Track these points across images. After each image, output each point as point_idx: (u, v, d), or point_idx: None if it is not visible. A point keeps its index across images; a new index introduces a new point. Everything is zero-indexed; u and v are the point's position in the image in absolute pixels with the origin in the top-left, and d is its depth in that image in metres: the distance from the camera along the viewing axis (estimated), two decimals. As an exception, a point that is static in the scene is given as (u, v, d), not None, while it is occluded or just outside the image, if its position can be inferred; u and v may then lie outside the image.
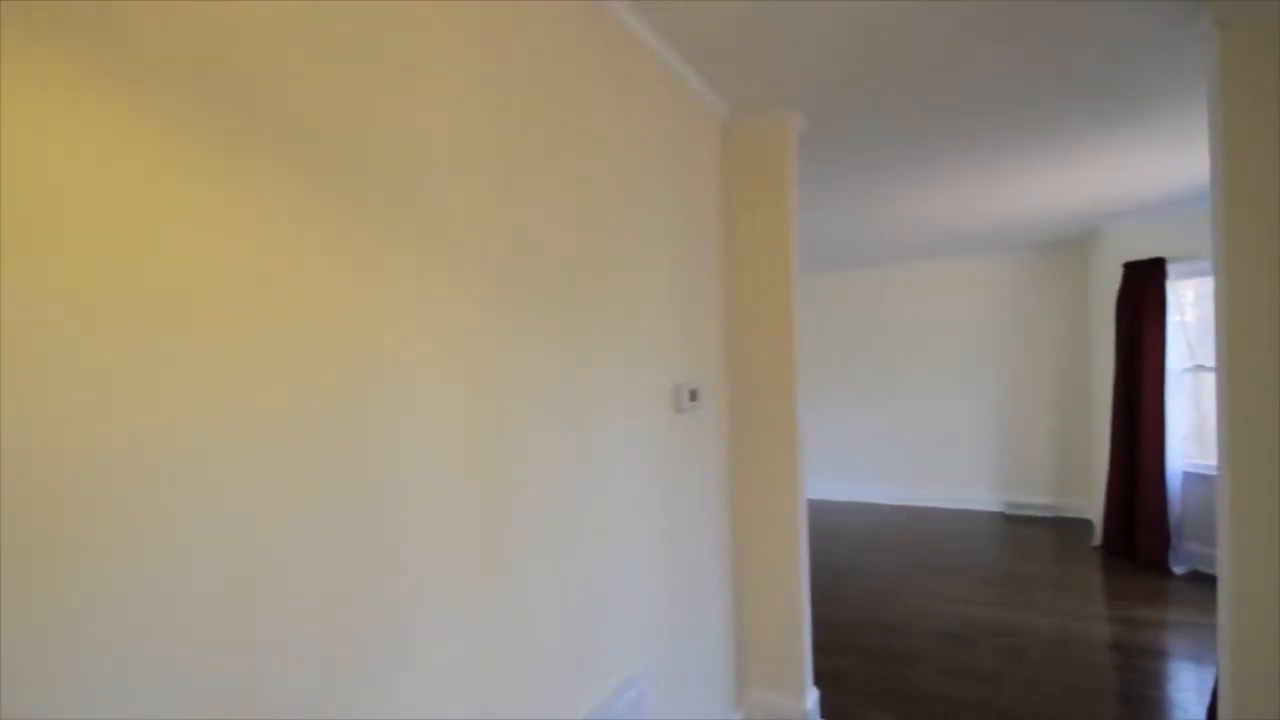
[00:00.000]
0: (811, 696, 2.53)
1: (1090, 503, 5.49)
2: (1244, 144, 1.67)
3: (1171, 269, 4.43)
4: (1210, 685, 2.80)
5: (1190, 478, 4.36)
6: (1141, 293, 4.52)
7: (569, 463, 1.53)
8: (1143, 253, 4.60)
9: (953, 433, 6.37)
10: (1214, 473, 4.31)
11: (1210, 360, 4.44)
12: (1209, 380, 4.46)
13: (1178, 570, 4.24)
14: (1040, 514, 5.85)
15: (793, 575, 2.48)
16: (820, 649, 3.15)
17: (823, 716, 2.63)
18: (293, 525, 0.90)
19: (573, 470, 1.54)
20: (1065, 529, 5.42)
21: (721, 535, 2.43)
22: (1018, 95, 2.47)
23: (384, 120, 1.06)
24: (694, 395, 2.09)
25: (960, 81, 2.33)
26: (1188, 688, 2.81)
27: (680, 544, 2.06)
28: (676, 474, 2.05)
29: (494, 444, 1.29)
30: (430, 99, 1.16)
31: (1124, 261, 4.70)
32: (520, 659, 1.34)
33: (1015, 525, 5.62)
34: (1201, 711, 2.60)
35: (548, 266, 1.47)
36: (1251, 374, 1.63)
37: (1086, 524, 5.49)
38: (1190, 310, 4.57)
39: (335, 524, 0.96)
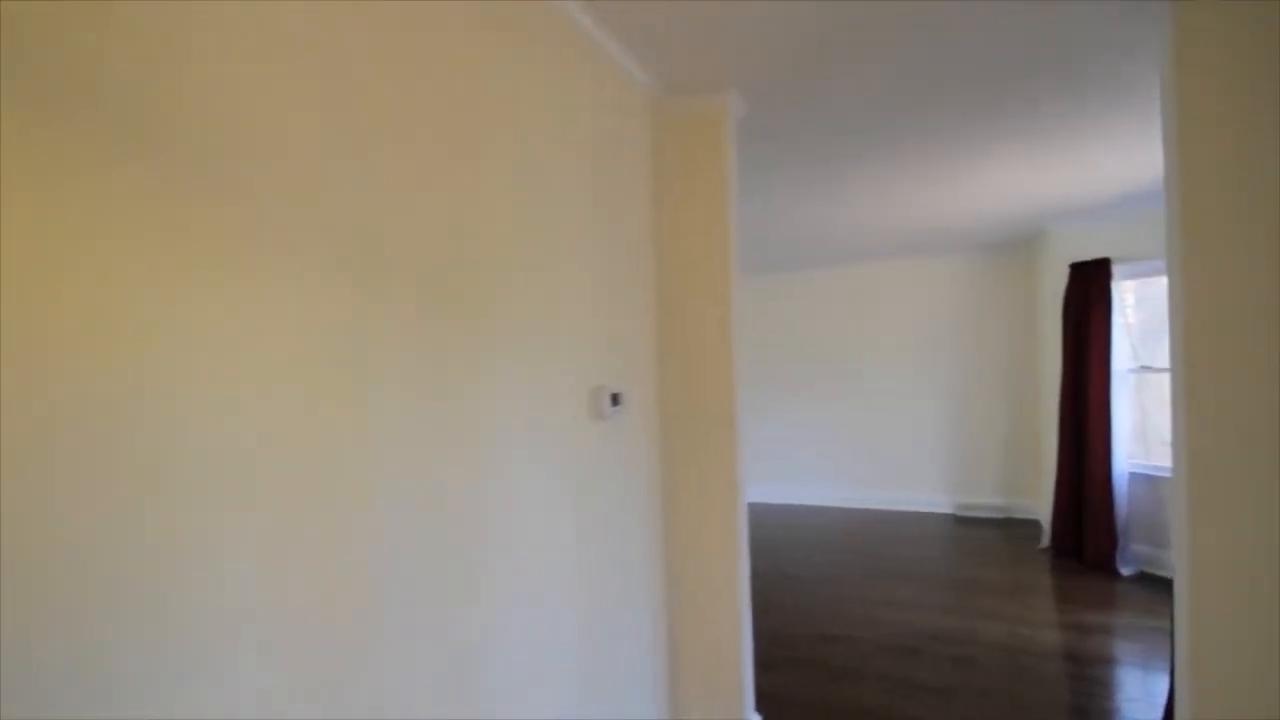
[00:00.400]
0: (753, 722, 2.35)
1: (1039, 503, 5.49)
2: (1200, 127, 1.55)
3: (1116, 269, 4.42)
4: (1161, 692, 2.73)
5: (1136, 479, 4.35)
6: (1087, 293, 4.51)
7: (445, 482, 1.30)
8: (1088, 253, 4.59)
9: (905, 434, 6.33)
10: (1158, 474, 4.32)
11: (1155, 361, 4.46)
12: (1153, 381, 4.48)
13: (1125, 572, 4.23)
14: (990, 515, 5.83)
15: (732, 591, 2.30)
16: (764, 665, 2.98)
17: (766, 742, 2.45)
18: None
19: (453, 491, 1.32)
20: (1015, 530, 5.40)
21: (653, 551, 2.23)
22: (965, 91, 2.35)
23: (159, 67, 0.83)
24: (617, 399, 1.89)
25: (903, 70, 2.19)
26: (1138, 696, 2.73)
27: (602, 565, 1.85)
28: (596, 488, 1.84)
29: (334, 458, 1.06)
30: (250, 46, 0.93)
31: (1070, 262, 4.69)
32: None
33: (966, 527, 5.58)
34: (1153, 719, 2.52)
35: (426, 256, 1.25)
36: (1210, 373, 1.52)
37: (1035, 525, 5.48)
38: (1132, 312, 4.58)
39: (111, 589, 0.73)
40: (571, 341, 1.73)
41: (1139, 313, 4.60)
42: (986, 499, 5.97)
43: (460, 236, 1.34)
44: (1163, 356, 4.63)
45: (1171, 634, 1.75)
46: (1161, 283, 4.60)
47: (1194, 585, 1.56)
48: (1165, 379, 4.70)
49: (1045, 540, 4.87)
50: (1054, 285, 4.92)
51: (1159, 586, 3.99)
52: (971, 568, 4.46)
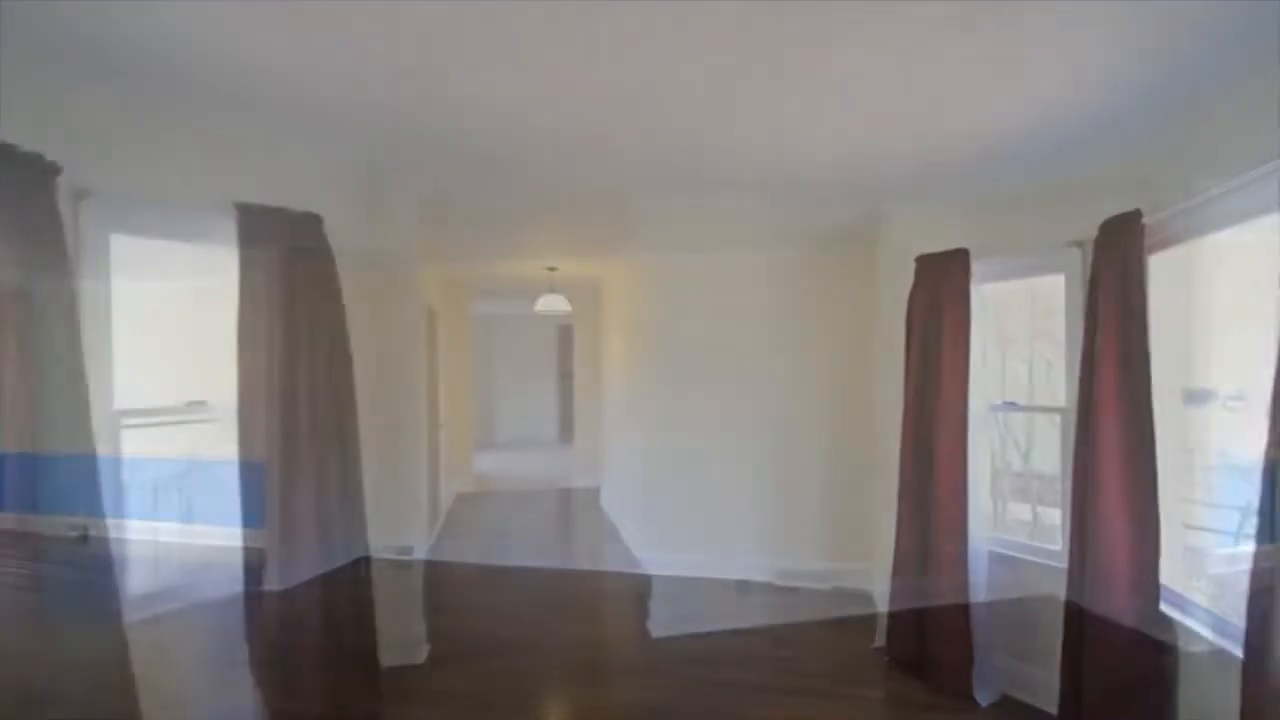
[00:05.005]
0: None
1: (873, 568, 4.22)
2: None
3: (978, 268, 3.16)
4: None
5: (997, 561, 3.10)
6: (939, 297, 3.21)
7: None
8: (939, 243, 3.30)
9: (713, 479, 4.87)
10: (1025, 556, 3.10)
11: (1021, 396, 3.25)
12: (1015, 422, 3.28)
13: (984, 700, 2.94)
14: (815, 585, 4.51)
15: None
16: None
17: None
18: None
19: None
20: (843, 610, 4.12)
21: None
22: None
23: None
24: None
25: None
26: None
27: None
28: None
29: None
30: None
31: (916, 255, 3.40)
32: None
33: (785, 604, 4.24)
34: None
35: None
36: None
37: (867, 599, 4.21)
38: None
39: None
40: None
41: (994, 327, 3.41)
42: (810, 564, 4.63)
43: None
44: (1014, 390, 3.48)
45: None
46: (1012, 288, 3.45)
47: None
48: (1024, 420, 3.68)
49: (880, 637, 3.54)
50: (896, 287, 3.61)
51: (1030, 717, 2.74)
52: (775, 708, 2.98)
